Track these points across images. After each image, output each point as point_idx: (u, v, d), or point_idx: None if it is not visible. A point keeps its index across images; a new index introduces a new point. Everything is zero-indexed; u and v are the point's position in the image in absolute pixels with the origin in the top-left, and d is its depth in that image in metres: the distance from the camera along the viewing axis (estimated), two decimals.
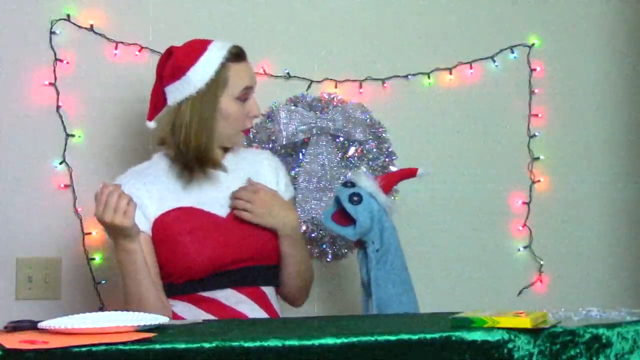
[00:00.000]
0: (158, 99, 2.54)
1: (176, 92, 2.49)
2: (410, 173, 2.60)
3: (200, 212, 2.50)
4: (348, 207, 2.44)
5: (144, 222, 2.46)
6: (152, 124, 2.58)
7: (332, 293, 3.10)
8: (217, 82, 2.48)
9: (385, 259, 2.47)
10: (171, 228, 2.47)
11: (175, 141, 2.49)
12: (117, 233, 2.36)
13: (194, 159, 2.49)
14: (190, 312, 2.46)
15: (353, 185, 2.46)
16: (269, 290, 2.54)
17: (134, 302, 2.41)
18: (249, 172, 2.60)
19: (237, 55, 2.53)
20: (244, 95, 2.52)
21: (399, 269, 2.50)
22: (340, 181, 3.05)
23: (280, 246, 2.54)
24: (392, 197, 2.82)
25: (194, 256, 2.45)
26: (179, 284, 2.48)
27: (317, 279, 3.05)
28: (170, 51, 2.54)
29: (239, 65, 2.52)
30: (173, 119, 2.50)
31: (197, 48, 2.52)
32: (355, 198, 2.44)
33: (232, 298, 2.47)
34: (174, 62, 2.50)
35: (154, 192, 2.50)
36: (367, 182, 2.47)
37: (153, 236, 2.48)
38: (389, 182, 2.55)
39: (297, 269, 2.58)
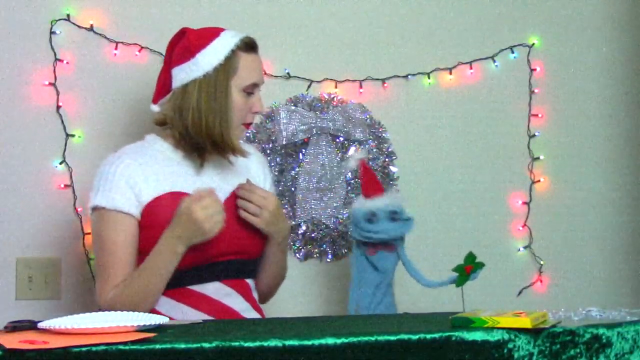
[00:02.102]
0: (165, 82, 2.52)
1: (183, 74, 2.47)
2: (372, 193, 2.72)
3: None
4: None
5: (136, 205, 2.42)
6: (156, 108, 2.54)
7: (332, 293, 3.10)
8: (226, 69, 2.46)
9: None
10: (161, 213, 2.42)
11: (183, 124, 2.46)
12: (189, 234, 2.34)
13: (207, 142, 2.46)
14: (175, 310, 2.42)
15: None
16: (252, 283, 2.54)
17: (144, 296, 2.37)
18: (240, 165, 2.58)
19: (249, 45, 2.50)
20: (250, 90, 2.50)
21: None
22: (340, 181, 3.05)
23: (267, 248, 2.55)
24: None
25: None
26: None
27: (318, 279, 3.05)
28: (183, 31, 2.52)
29: (249, 56, 2.50)
30: (180, 102, 2.46)
31: (210, 32, 2.50)
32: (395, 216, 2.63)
33: (220, 291, 2.45)
34: (185, 44, 2.48)
35: (150, 174, 2.46)
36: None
37: (141, 220, 2.43)
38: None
39: (276, 272, 2.62)
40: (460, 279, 2.50)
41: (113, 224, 2.41)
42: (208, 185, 2.46)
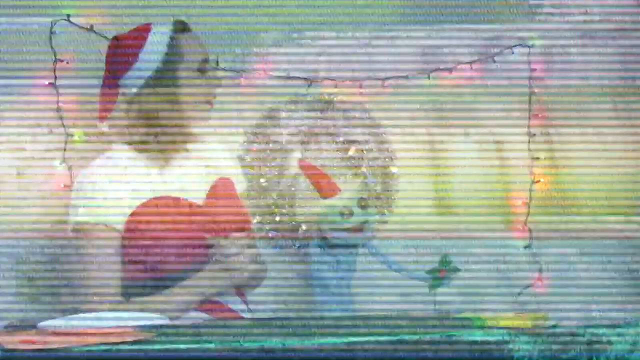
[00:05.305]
0: (111, 97, 2.50)
1: (134, 79, 2.45)
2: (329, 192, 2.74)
3: (178, 202, 2.45)
4: None
5: (118, 217, 2.39)
6: (105, 126, 2.53)
7: None
8: (171, 57, 2.45)
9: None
10: (152, 219, 2.39)
11: (146, 125, 2.44)
12: None
13: (165, 134, 2.44)
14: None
15: None
16: None
17: None
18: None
19: (182, 26, 2.51)
20: (203, 67, 2.48)
21: None
22: (341, 181, 3.05)
23: None
24: None
25: (180, 246, 2.39)
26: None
27: None
28: (116, 39, 2.50)
29: (187, 36, 2.49)
30: (138, 106, 2.44)
31: (141, 29, 2.49)
32: None
33: None
34: (124, 49, 2.46)
35: (127, 183, 2.42)
36: None
37: (125, 232, 2.39)
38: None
39: None
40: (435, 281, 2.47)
41: (100, 240, 2.37)
42: (177, 185, 2.46)
